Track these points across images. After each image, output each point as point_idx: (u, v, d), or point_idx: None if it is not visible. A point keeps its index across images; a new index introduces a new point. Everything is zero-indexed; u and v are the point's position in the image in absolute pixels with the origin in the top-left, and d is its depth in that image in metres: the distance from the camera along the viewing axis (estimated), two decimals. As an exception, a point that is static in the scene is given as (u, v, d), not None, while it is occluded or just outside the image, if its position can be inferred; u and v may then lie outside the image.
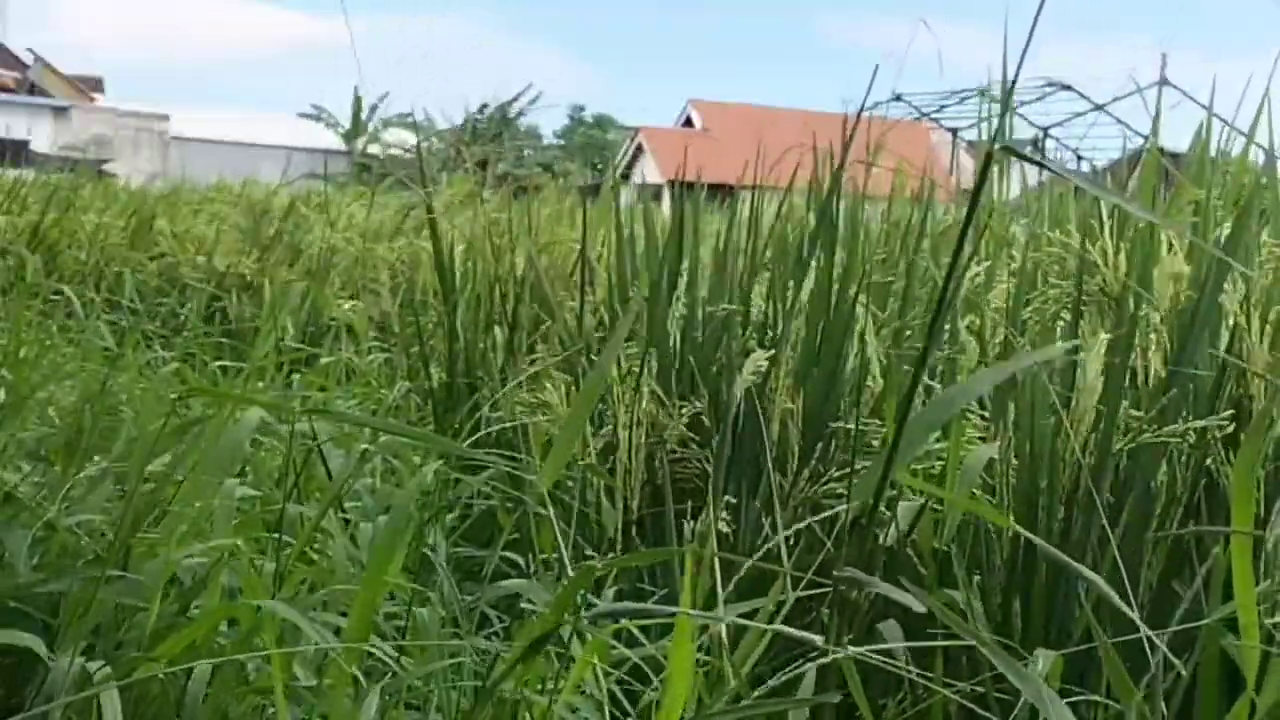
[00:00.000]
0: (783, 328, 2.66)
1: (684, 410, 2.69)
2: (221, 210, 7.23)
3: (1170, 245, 2.46)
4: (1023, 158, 1.57)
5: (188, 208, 7.07)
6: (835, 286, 2.70)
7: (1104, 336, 2.19)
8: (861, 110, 2.73)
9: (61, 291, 4.84)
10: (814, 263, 2.78)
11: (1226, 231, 2.43)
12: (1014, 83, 1.63)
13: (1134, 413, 2.22)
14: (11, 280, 5.10)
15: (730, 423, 2.53)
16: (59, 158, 14.13)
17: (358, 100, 38.10)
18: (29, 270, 5.33)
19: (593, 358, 3.00)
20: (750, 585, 2.00)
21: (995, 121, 3.82)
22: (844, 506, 2.36)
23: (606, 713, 1.72)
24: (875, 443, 2.45)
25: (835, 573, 1.30)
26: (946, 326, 2.64)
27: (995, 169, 3.69)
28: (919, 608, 1.27)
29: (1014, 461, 2.22)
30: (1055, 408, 2.16)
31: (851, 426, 2.54)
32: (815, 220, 2.87)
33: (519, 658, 1.38)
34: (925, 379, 2.60)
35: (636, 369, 2.66)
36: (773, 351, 2.60)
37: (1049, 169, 1.85)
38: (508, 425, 2.96)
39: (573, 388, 2.86)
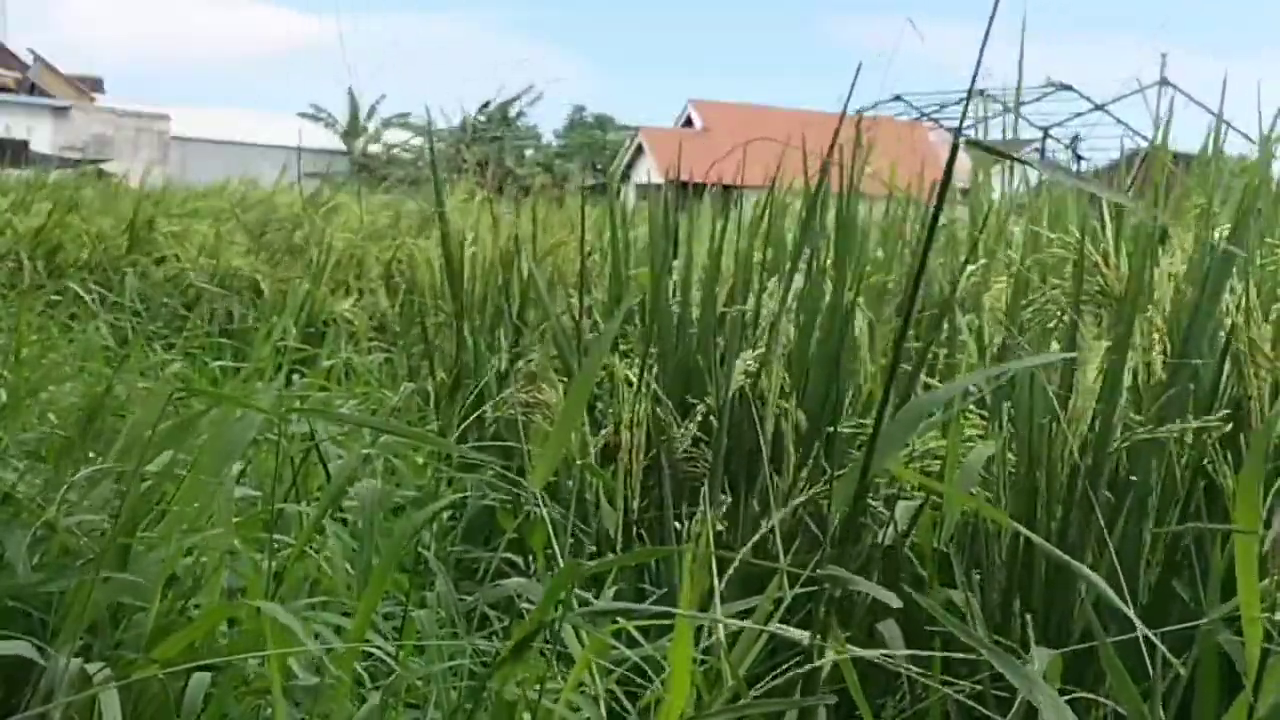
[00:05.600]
0: (775, 326, 2.66)
1: (682, 410, 2.69)
2: (222, 210, 7.23)
3: (1169, 245, 2.46)
4: (994, 151, 1.57)
5: (184, 208, 7.07)
6: (830, 285, 2.70)
7: (1104, 343, 2.19)
8: (861, 110, 2.73)
9: (63, 291, 4.84)
10: (808, 261, 2.78)
11: (1226, 232, 2.43)
12: (1018, 85, 1.63)
13: (1133, 415, 2.22)
14: (13, 282, 5.10)
15: (724, 422, 2.53)
16: (59, 158, 14.14)
17: (353, 100, 38.16)
18: (26, 274, 5.33)
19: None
20: (750, 585, 2.01)
21: (993, 122, 3.82)
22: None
23: (604, 711, 1.73)
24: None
25: (819, 571, 1.30)
26: (946, 326, 2.64)
27: (996, 168, 3.69)
28: (895, 603, 1.27)
29: (1012, 460, 2.22)
30: (1053, 408, 2.16)
31: (851, 427, 2.54)
32: (806, 218, 2.86)
33: (509, 654, 1.38)
34: (926, 379, 2.60)
35: (637, 369, 2.66)
36: (763, 351, 2.60)
37: (1033, 166, 1.85)
38: (506, 424, 2.96)
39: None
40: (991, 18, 1.17)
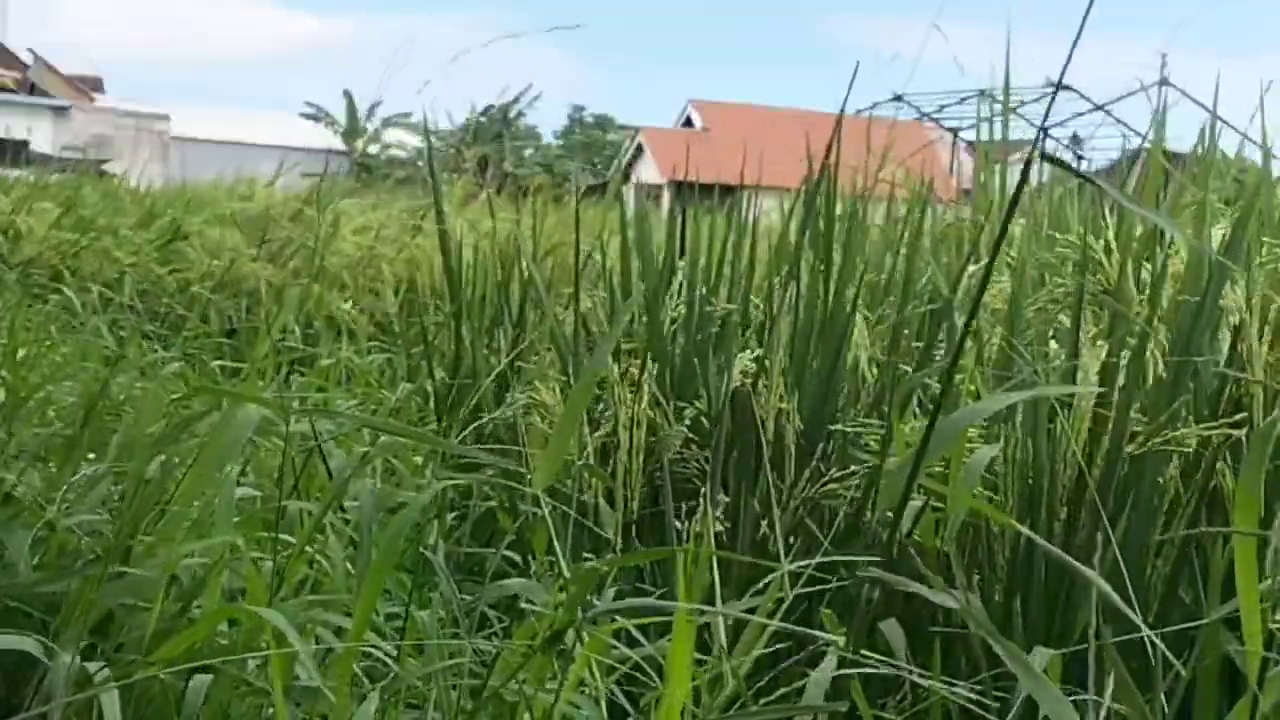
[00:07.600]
0: (774, 326, 2.66)
1: (682, 410, 2.69)
2: (229, 215, 7.22)
3: (1171, 244, 2.46)
4: (1063, 165, 1.57)
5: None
6: (830, 285, 2.70)
7: (1103, 345, 2.18)
8: (861, 111, 2.73)
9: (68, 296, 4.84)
10: (808, 261, 2.78)
11: (1227, 232, 2.43)
12: (1005, 81, 1.63)
13: (1136, 414, 2.21)
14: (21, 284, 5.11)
15: (723, 423, 2.53)
16: (59, 158, 14.13)
17: (350, 100, 38.25)
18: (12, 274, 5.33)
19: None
20: (749, 585, 2.00)
21: (995, 122, 3.82)
22: (841, 505, 2.37)
23: (604, 711, 1.72)
24: (872, 443, 2.45)
25: (858, 572, 1.30)
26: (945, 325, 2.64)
27: (996, 169, 3.69)
28: (953, 604, 1.27)
29: (1016, 460, 2.21)
30: (1056, 409, 2.16)
31: (850, 427, 2.54)
32: (804, 217, 2.86)
33: (525, 660, 1.38)
34: (924, 380, 2.60)
35: (635, 369, 2.65)
36: (760, 352, 2.59)
37: (1076, 174, 1.84)
38: (506, 424, 2.96)
39: (568, 388, 2.86)
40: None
